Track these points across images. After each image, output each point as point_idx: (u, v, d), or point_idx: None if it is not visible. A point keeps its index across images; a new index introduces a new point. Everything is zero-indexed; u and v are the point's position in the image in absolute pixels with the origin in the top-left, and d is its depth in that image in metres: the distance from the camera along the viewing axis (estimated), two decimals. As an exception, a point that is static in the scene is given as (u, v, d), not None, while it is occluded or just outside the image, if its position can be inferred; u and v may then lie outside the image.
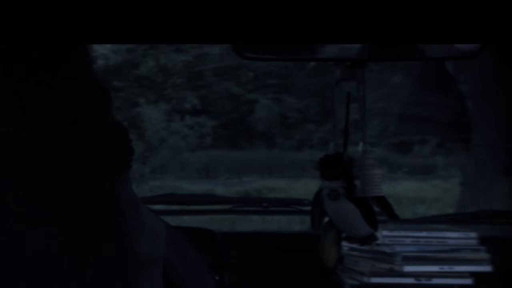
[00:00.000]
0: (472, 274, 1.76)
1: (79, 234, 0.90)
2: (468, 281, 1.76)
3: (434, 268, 1.76)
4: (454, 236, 1.80)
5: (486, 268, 1.76)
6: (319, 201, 1.54)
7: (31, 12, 0.89)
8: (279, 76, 6.60)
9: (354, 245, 1.75)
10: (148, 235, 1.08)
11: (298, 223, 2.77)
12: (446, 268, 1.76)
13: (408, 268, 1.74)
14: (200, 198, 2.37)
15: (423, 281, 1.75)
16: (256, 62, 5.61)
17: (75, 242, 0.89)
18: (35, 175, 0.90)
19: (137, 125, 6.28)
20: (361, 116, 1.49)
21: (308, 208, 1.60)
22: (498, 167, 3.40)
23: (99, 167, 0.96)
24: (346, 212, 1.50)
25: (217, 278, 1.72)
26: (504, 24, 1.16)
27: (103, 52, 5.96)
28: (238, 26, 1.04)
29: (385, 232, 1.76)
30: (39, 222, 0.88)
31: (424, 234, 1.79)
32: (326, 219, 1.58)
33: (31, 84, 0.91)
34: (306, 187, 4.37)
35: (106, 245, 0.92)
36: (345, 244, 1.73)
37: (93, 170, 0.95)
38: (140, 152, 5.90)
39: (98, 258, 0.91)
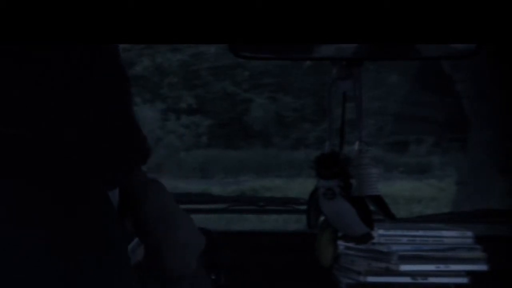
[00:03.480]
0: (468, 273, 1.77)
1: (75, 235, 0.90)
2: (464, 280, 1.76)
3: (430, 267, 1.76)
4: (450, 235, 1.80)
5: (482, 267, 1.77)
6: (315, 200, 1.54)
7: (31, 13, 0.89)
8: (275, 75, 6.60)
9: (350, 244, 1.75)
10: (181, 251, 1.07)
11: (294, 222, 2.77)
12: (442, 267, 1.76)
13: (404, 267, 1.74)
14: (196, 197, 2.36)
15: (419, 280, 1.75)
16: (252, 62, 5.61)
17: (71, 243, 0.89)
18: (35, 176, 0.90)
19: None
20: (357, 115, 1.49)
21: (304, 207, 1.60)
22: (494, 167, 3.40)
23: (98, 169, 0.96)
24: (342, 211, 1.50)
25: (213, 277, 1.72)
26: (500, 24, 1.16)
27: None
28: (235, 25, 1.04)
29: (381, 231, 1.76)
30: (37, 223, 0.88)
31: (420, 233, 1.79)
32: (322, 218, 1.58)
33: (31, 85, 0.91)
34: (303, 186, 4.37)
35: (101, 247, 0.92)
36: (341, 243, 1.73)
37: (92, 173, 0.95)
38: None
39: (93, 260, 0.91)
